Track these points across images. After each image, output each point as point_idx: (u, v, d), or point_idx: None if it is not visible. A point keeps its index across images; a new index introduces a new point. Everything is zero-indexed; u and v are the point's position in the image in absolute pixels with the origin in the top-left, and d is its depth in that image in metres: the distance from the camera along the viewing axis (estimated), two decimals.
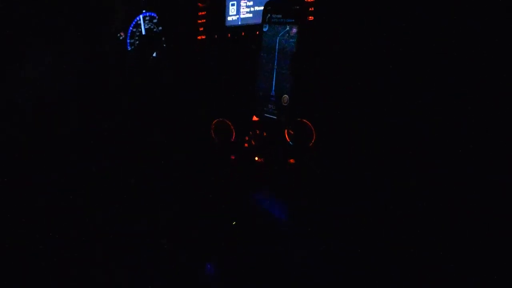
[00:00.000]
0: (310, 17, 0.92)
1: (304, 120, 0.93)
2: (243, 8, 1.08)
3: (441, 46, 0.79)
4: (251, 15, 1.06)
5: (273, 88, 0.92)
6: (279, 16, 0.91)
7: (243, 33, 1.08)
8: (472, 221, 0.77)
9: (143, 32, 1.31)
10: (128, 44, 1.35)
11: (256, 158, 1.05)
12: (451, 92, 0.79)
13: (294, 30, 0.88)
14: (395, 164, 0.87)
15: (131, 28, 1.34)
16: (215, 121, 1.11)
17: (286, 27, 0.89)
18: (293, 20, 0.88)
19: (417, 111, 0.83)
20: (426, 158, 0.83)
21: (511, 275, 0.73)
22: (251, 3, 1.06)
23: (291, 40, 0.88)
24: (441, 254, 0.79)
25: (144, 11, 1.31)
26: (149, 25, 1.30)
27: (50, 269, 1.09)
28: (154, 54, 1.29)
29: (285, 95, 0.90)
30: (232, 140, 1.08)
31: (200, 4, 1.15)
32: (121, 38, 1.35)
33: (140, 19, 1.32)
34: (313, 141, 0.92)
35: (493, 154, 0.75)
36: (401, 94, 0.85)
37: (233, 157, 1.10)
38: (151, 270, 1.02)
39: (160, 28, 1.27)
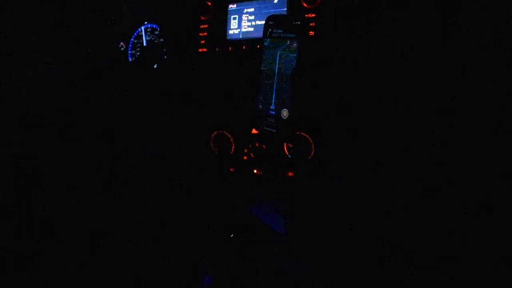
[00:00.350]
0: (310, 32, 0.93)
1: (303, 134, 0.93)
2: (245, 22, 1.09)
3: (443, 59, 0.80)
4: (252, 29, 1.07)
5: (273, 102, 0.93)
6: (280, 30, 0.92)
7: (244, 47, 1.08)
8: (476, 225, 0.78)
9: (145, 44, 1.32)
10: (129, 55, 1.36)
11: (255, 171, 1.05)
12: (450, 106, 0.80)
13: (295, 44, 0.88)
14: (394, 177, 0.87)
15: (132, 39, 1.35)
16: (215, 133, 1.11)
17: (287, 42, 0.90)
18: (294, 35, 0.89)
19: (416, 125, 0.84)
20: (425, 171, 0.83)
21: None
22: (252, 17, 1.07)
23: (291, 54, 0.89)
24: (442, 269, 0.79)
25: (146, 22, 1.32)
26: (151, 37, 1.31)
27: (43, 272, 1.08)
28: (155, 66, 1.29)
29: (285, 109, 0.91)
30: (231, 152, 1.09)
31: (202, 17, 1.16)
32: (122, 49, 1.36)
33: (141, 31, 1.33)
34: (312, 155, 0.93)
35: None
36: (401, 108, 0.85)
37: (232, 169, 1.10)
38: (149, 282, 1.01)
39: (162, 40, 1.28)
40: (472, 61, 0.77)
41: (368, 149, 0.89)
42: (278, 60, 0.92)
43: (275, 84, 0.93)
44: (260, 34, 0.98)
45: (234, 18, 1.11)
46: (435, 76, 0.81)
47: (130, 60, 1.36)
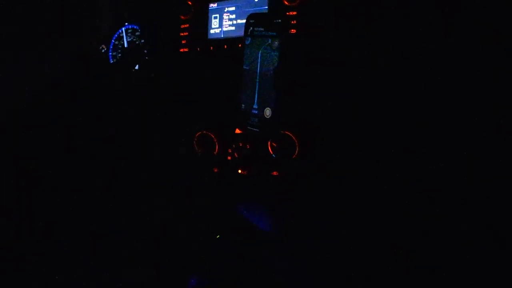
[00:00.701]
0: (292, 30, 0.93)
1: (287, 133, 0.93)
2: (226, 21, 1.08)
3: (427, 59, 0.80)
4: (233, 28, 1.07)
5: (256, 101, 0.92)
6: (261, 29, 0.91)
7: (225, 46, 1.08)
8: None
9: (126, 45, 1.30)
10: (111, 57, 1.34)
11: (239, 171, 1.04)
12: (434, 105, 0.80)
13: (276, 43, 0.88)
14: (378, 175, 0.87)
15: (113, 40, 1.33)
16: (198, 133, 1.10)
17: (269, 40, 0.89)
18: (275, 33, 0.88)
19: (399, 123, 0.84)
20: (408, 170, 0.83)
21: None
22: (233, 16, 1.06)
23: (273, 53, 0.89)
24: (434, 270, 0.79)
25: (126, 23, 1.30)
26: (132, 38, 1.29)
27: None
28: (136, 67, 1.28)
29: (268, 108, 0.90)
30: (215, 152, 1.08)
31: (182, 17, 1.15)
32: (103, 50, 1.34)
33: (122, 32, 1.31)
34: (296, 154, 0.92)
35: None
36: (384, 106, 0.85)
37: (216, 170, 1.10)
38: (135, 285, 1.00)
39: (143, 41, 1.27)
40: (459, 55, 0.78)
41: (352, 147, 0.89)
42: (260, 59, 0.91)
43: (257, 83, 0.92)
44: (241, 33, 0.97)
45: (215, 18, 1.10)
46: (419, 73, 0.82)
47: (111, 62, 1.34)
